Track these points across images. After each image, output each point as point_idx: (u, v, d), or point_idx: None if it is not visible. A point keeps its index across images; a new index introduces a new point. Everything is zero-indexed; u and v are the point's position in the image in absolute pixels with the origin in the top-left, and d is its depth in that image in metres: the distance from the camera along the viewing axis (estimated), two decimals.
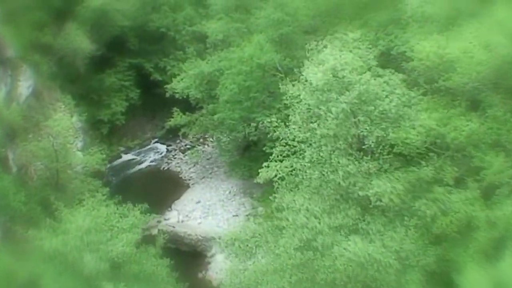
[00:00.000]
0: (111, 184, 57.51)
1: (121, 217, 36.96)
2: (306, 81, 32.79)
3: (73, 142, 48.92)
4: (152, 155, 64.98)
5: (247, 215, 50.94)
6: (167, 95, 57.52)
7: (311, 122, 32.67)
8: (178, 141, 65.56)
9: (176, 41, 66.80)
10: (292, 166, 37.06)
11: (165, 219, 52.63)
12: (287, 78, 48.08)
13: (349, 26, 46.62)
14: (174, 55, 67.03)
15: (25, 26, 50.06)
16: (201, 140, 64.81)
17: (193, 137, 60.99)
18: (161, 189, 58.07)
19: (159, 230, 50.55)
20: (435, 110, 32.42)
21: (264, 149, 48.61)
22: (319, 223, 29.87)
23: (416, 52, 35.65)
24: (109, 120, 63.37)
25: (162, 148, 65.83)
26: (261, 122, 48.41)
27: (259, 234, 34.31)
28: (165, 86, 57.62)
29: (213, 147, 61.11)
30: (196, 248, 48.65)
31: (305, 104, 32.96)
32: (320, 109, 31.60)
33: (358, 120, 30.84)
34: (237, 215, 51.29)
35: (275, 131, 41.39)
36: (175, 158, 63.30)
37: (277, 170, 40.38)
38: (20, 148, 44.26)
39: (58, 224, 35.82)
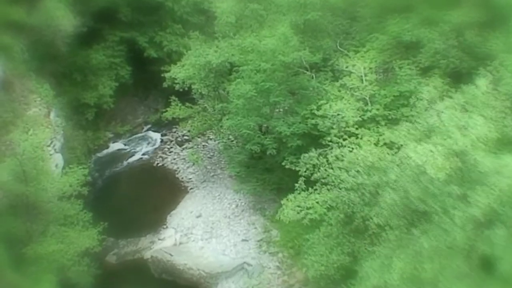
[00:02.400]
0: (95, 186, 45.96)
1: None
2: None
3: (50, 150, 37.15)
4: (144, 145, 53.45)
5: (258, 241, 39.84)
6: (165, 84, 45.13)
7: None
8: (174, 129, 53.81)
9: (175, 13, 55.08)
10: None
11: (159, 239, 41.51)
12: (315, 76, 36.87)
13: (400, 20, 34.96)
14: (171, 29, 55.42)
15: None
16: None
17: (191, 122, 48.76)
18: (154, 194, 46.84)
19: (152, 256, 39.33)
20: None
21: (283, 163, 37.39)
22: None
23: None
24: (95, 103, 51.44)
25: (156, 137, 54.30)
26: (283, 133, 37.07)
27: None
28: (162, 74, 45.60)
29: (215, 141, 49.07)
30: (198, 285, 37.44)
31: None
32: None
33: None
34: (246, 240, 40.32)
35: (313, 170, 30.38)
36: (170, 152, 51.76)
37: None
38: None
39: None
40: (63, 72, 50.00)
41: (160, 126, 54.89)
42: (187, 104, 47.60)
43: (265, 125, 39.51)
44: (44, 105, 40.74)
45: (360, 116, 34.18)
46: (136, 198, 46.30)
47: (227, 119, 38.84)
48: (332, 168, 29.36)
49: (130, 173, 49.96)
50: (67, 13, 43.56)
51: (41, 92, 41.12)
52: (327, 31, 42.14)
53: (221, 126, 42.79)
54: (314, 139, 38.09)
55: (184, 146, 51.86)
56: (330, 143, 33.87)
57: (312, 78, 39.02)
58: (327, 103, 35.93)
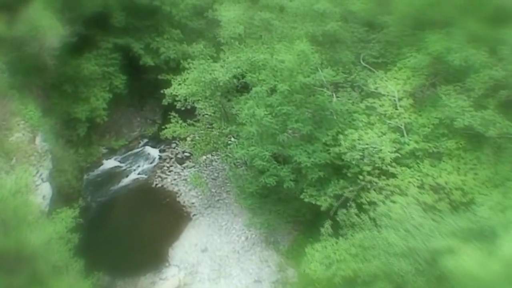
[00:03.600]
0: (88, 212, 40.12)
1: None
2: None
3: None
4: (141, 163, 47.40)
5: (273, 282, 34.21)
6: (165, 101, 39.27)
7: None
8: (173, 145, 47.73)
9: (173, 17, 48.76)
10: None
11: (161, 279, 35.96)
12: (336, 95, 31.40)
13: (441, 37, 29.23)
14: (169, 34, 49.20)
15: None
16: None
17: (192, 141, 42.71)
18: (153, 221, 41.09)
19: None
20: None
21: (301, 196, 31.79)
22: None
23: None
24: (87, 118, 45.21)
25: (154, 153, 48.25)
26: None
27: None
28: (160, 84, 39.79)
29: (220, 160, 43.12)
30: None
31: None
32: None
33: None
34: (259, 281, 34.71)
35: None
36: (170, 171, 45.75)
37: None
38: None
39: None
40: (51, 83, 43.91)
41: (158, 140, 48.92)
42: (188, 121, 41.55)
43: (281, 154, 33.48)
44: (29, 129, 34.71)
45: (396, 151, 28.38)
46: (134, 226, 40.54)
47: (238, 148, 32.95)
48: (376, 225, 23.55)
49: (127, 196, 44.05)
50: (54, 22, 37.32)
51: (25, 114, 35.06)
52: (346, 42, 36.28)
53: (229, 152, 36.90)
54: (337, 169, 32.55)
55: (185, 165, 45.96)
56: (362, 182, 28.14)
57: (333, 97, 33.08)
58: (355, 131, 30.17)
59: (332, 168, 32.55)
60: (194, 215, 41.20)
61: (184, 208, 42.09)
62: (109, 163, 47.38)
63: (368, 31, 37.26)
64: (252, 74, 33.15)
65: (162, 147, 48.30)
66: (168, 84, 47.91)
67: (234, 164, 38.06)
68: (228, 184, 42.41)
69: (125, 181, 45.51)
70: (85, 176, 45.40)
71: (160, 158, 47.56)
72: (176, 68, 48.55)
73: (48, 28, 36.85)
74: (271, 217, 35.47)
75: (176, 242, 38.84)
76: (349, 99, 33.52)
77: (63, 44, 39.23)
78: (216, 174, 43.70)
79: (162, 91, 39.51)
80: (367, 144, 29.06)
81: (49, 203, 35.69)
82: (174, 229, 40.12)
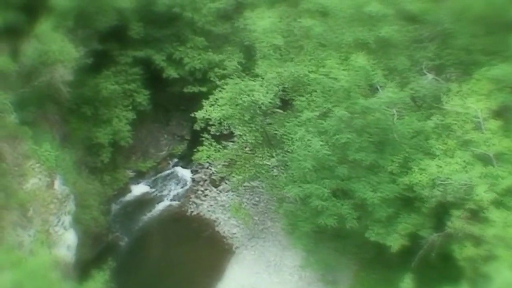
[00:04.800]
0: (118, 249, 34.93)
1: None
2: None
3: None
4: (172, 186, 41.98)
5: None
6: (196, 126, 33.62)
7: None
8: (206, 164, 41.89)
9: (195, 24, 42.84)
10: None
11: None
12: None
13: None
14: (193, 43, 43.29)
15: None
16: None
17: (228, 167, 37.11)
18: (192, 256, 35.72)
19: None
20: None
21: (366, 235, 26.16)
22: None
23: None
24: (110, 142, 39.58)
25: (185, 175, 42.80)
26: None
27: None
28: (193, 113, 33.75)
29: (260, 183, 37.28)
30: None
31: None
32: None
33: None
34: None
35: None
36: (205, 196, 40.27)
37: None
38: None
39: None
40: (69, 107, 38.43)
41: (188, 160, 43.22)
42: (223, 142, 35.97)
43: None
44: (45, 172, 29.39)
45: (490, 187, 22.53)
46: (170, 265, 35.33)
47: (289, 184, 27.27)
48: None
49: (159, 227, 38.71)
50: (65, 45, 31.70)
51: (40, 155, 29.63)
52: (398, 45, 30.36)
53: (275, 183, 31.21)
54: (406, 200, 26.75)
55: (220, 187, 40.37)
56: (450, 229, 22.36)
57: (394, 115, 27.15)
58: (432, 161, 24.36)
59: (401, 200, 26.80)
60: (237, 247, 35.75)
61: (224, 240, 36.63)
62: (138, 189, 41.97)
63: (417, 28, 31.33)
64: (301, 98, 27.26)
65: (194, 167, 42.71)
66: (195, 97, 42.62)
67: (282, 197, 32.33)
68: (272, 209, 36.76)
69: (157, 209, 40.13)
70: (113, 207, 40.07)
71: (193, 180, 42.04)
72: (203, 79, 43.25)
73: (59, 53, 31.26)
74: (329, 256, 29.82)
75: (219, 282, 33.41)
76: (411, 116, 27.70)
77: (78, 69, 33.89)
78: (257, 199, 38.05)
79: (192, 115, 33.64)
80: (449, 179, 23.20)
81: (75, 252, 30.52)
82: (215, 266, 34.74)
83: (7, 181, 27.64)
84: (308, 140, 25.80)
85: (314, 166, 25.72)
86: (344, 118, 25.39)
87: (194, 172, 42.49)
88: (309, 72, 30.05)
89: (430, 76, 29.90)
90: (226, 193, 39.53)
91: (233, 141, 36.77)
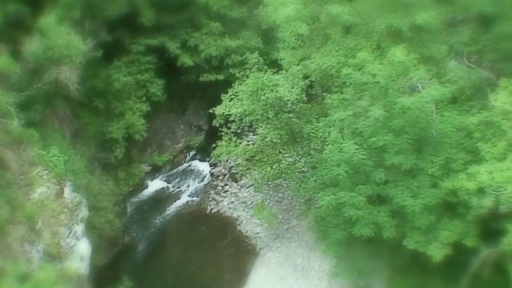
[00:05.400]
0: (135, 252, 32.70)
1: None
2: None
3: None
4: (190, 182, 39.46)
5: None
6: (215, 122, 30.90)
7: None
8: (226, 157, 38.96)
9: (210, 8, 40.01)
10: None
11: None
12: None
13: None
14: (208, 28, 40.34)
15: None
16: None
17: (248, 167, 34.38)
18: (213, 259, 33.12)
19: None
20: None
21: (404, 243, 23.61)
22: None
23: None
24: (124, 137, 37.01)
25: (204, 169, 40.23)
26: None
27: None
28: (211, 109, 30.85)
29: (284, 178, 34.46)
30: None
31: None
32: None
33: None
34: None
35: None
36: (225, 191, 37.70)
37: None
38: None
39: None
40: (80, 101, 35.75)
41: (207, 152, 40.57)
42: (244, 137, 33.27)
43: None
44: (54, 179, 26.84)
45: None
46: (189, 267, 33.14)
47: (321, 193, 24.41)
48: None
49: (178, 226, 36.35)
50: (72, 39, 28.95)
51: (48, 161, 27.07)
52: (434, 32, 27.36)
53: (303, 184, 28.47)
54: (449, 206, 24.04)
55: (241, 182, 37.69)
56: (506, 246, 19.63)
57: (433, 112, 24.18)
58: (481, 166, 21.53)
59: (442, 205, 24.07)
60: (261, 248, 33.30)
61: (247, 240, 34.18)
62: (154, 185, 39.52)
63: (450, 11, 28.26)
64: (332, 96, 24.34)
65: (212, 160, 39.90)
66: (212, 84, 39.94)
67: (309, 198, 29.59)
68: (297, 208, 34.17)
69: (174, 206, 37.69)
70: (128, 205, 37.64)
71: (212, 175, 39.44)
72: (220, 66, 40.64)
73: (65, 48, 28.53)
74: (362, 262, 27.22)
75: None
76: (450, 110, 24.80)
77: (87, 62, 31.25)
78: (280, 195, 35.38)
79: (211, 111, 30.88)
80: (502, 187, 20.40)
81: (89, 259, 28.15)
82: (238, 270, 32.43)
83: (13, 192, 25.22)
84: (341, 143, 22.98)
85: (348, 172, 22.94)
86: (381, 119, 22.53)
87: (212, 165, 39.88)
88: (338, 63, 27.18)
89: (468, 64, 26.98)
90: (248, 189, 36.94)
91: (255, 134, 33.97)
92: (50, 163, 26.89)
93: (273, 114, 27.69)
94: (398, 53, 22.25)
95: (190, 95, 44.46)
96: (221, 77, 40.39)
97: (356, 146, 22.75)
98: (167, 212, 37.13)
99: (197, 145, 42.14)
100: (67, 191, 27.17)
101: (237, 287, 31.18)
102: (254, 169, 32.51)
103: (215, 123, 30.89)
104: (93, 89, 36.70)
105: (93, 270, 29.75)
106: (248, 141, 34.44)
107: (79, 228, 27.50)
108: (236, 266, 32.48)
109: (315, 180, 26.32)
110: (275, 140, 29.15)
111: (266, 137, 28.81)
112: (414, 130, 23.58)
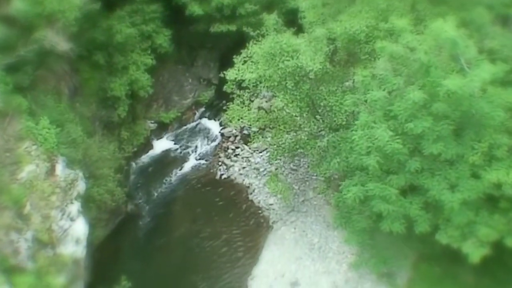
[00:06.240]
0: (139, 223, 29.89)
1: None
2: None
3: None
4: (199, 142, 36.12)
5: None
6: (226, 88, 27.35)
7: None
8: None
9: None
10: None
11: None
12: None
13: None
14: None
15: None
16: None
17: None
18: (222, 231, 30.22)
19: None
20: None
21: (437, 237, 20.67)
22: None
23: None
24: (127, 94, 33.54)
25: (214, 129, 36.68)
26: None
27: None
28: (221, 73, 27.17)
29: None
30: None
31: None
32: None
33: None
34: None
35: None
36: (236, 155, 34.43)
37: None
38: None
39: None
40: (79, 55, 32.05)
41: (217, 109, 37.13)
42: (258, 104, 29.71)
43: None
44: (44, 156, 23.48)
45: None
46: (197, 240, 30.22)
47: (346, 183, 20.98)
48: None
49: (185, 193, 33.26)
50: None
51: (37, 134, 23.60)
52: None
53: (323, 163, 24.95)
54: (489, 199, 20.70)
55: (253, 146, 34.05)
56: None
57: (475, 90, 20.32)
58: None
59: (482, 199, 20.69)
60: (274, 222, 30.21)
61: (259, 212, 31.07)
62: (160, 145, 36.24)
63: None
64: (363, 72, 20.46)
65: (222, 118, 36.27)
66: (223, 34, 36.06)
67: (330, 175, 26.09)
68: (314, 178, 30.85)
69: (182, 170, 34.48)
70: (132, 168, 34.45)
71: (222, 135, 35.98)
72: (232, 15, 36.45)
73: (58, 1, 24.72)
74: (387, 250, 24.09)
75: (255, 267, 28.21)
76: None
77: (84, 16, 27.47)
78: (295, 164, 31.92)
79: (221, 75, 27.13)
80: None
81: (86, 241, 25.18)
82: (250, 245, 29.50)
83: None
84: (373, 127, 19.39)
85: (380, 163, 19.46)
86: (421, 103, 18.84)
87: (223, 125, 36.24)
88: (367, 27, 23.27)
89: None
90: (260, 154, 33.55)
91: (270, 98, 30.36)
92: (40, 137, 23.54)
93: (293, 84, 23.90)
94: (447, 26, 18.24)
95: (200, 45, 40.53)
96: (233, 27, 36.45)
97: (390, 133, 19.15)
98: (174, 177, 34.00)
99: (206, 101, 38.53)
100: (59, 168, 23.90)
101: (249, 266, 28.25)
102: (268, 138, 28.99)
103: (227, 89, 27.18)
104: (93, 42, 32.97)
105: (92, 247, 27.01)
106: (262, 106, 30.73)
107: (74, 207, 24.40)
108: (247, 241, 29.60)
109: (338, 162, 22.83)
110: (294, 113, 25.48)
111: (284, 109, 25.06)
112: (456, 113, 19.90)
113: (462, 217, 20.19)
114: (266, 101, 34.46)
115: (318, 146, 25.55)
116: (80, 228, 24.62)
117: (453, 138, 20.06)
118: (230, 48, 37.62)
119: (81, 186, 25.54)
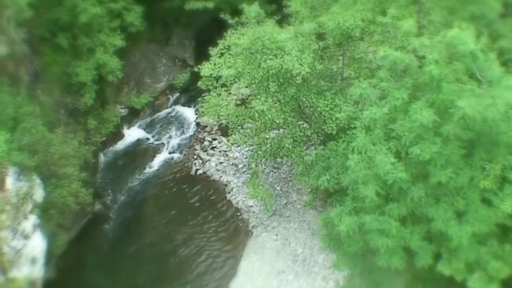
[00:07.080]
0: (105, 224, 26.78)
1: None
2: None
3: None
4: (173, 132, 32.73)
5: None
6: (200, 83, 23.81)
7: None
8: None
9: None
10: None
11: None
12: None
13: None
14: None
15: None
16: None
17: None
18: (196, 236, 27.21)
19: None
20: None
21: (438, 267, 17.76)
22: None
23: None
24: (94, 79, 29.81)
25: (189, 117, 33.13)
26: None
27: None
28: (195, 67, 23.62)
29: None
30: None
31: None
32: None
33: None
34: None
35: None
36: (213, 148, 31.11)
37: None
38: None
39: None
40: (41, 36, 28.35)
41: (193, 94, 33.56)
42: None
43: None
44: None
45: None
46: (168, 246, 27.13)
47: (337, 211, 17.79)
48: None
49: (157, 190, 30.02)
50: None
51: None
52: None
53: (311, 175, 21.68)
54: (500, 229, 17.79)
55: (229, 142, 30.22)
56: None
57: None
58: None
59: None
60: (254, 226, 27.13)
61: (238, 215, 27.95)
62: (131, 134, 32.77)
63: None
64: (361, 84, 16.99)
65: (199, 105, 32.69)
66: (201, 12, 32.34)
67: (317, 187, 22.70)
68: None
69: (154, 163, 31.15)
70: (101, 160, 30.96)
71: (198, 125, 32.48)
72: None
73: None
74: (380, 274, 21.08)
75: (233, 280, 25.09)
76: None
77: None
78: (279, 160, 28.47)
79: (197, 68, 23.47)
80: None
81: (44, 260, 21.89)
82: (227, 254, 26.41)
83: None
84: (371, 149, 16.09)
85: (380, 194, 16.23)
86: (430, 125, 15.52)
87: (199, 113, 32.66)
88: (363, 21, 19.77)
89: None
90: (239, 148, 30.13)
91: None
92: None
93: (276, 87, 20.34)
94: (466, 36, 14.76)
95: (174, 21, 36.80)
96: (210, 4, 32.71)
97: (392, 159, 15.87)
98: (146, 171, 30.67)
99: (181, 85, 35.02)
100: (10, 181, 20.36)
101: (226, 278, 25.21)
102: (248, 129, 25.63)
103: (202, 85, 23.57)
104: (56, 22, 29.18)
105: (54, 258, 23.85)
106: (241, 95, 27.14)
107: (29, 223, 21.09)
108: (225, 251, 26.48)
109: (328, 180, 19.54)
110: (277, 121, 21.99)
111: (266, 115, 21.57)
112: (468, 134, 16.62)
113: (472, 254, 17.14)
114: (246, 86, 30.98)
115: (305, 158, 22.20)
116: (36, 244, 21.40)
117: (463, 161, 16.85)
118: (207, 24, 34.13)
119: (38, 194, 22.19)
